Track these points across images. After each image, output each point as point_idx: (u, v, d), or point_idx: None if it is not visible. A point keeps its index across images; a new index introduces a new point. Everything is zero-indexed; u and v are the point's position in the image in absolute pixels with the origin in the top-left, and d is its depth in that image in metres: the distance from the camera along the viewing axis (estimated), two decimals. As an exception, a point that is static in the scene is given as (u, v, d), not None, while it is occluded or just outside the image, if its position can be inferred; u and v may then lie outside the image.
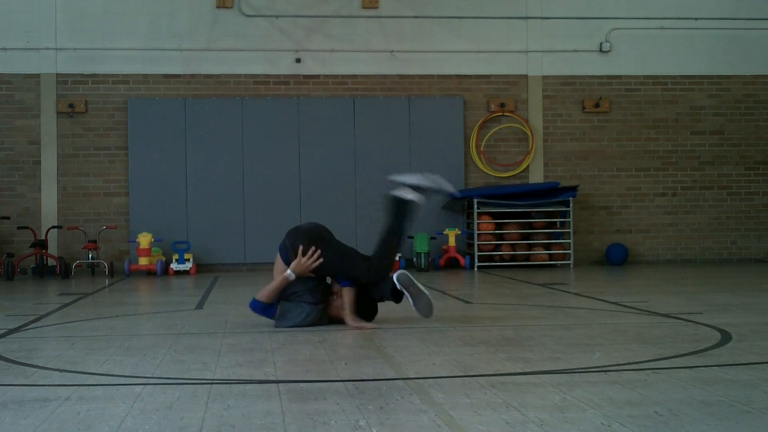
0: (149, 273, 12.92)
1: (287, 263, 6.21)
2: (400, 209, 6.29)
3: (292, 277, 6.15)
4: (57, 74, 13.58)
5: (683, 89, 14.70)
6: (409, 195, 6.21)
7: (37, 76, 13.56)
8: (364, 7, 14.10)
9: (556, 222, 14.00)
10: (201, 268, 13.50)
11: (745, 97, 14.82)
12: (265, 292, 6.19)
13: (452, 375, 4.36)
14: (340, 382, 4.15)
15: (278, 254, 6.33)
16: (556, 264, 13.67)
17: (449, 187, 6.14)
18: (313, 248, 6.16)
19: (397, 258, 6.27)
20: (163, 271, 12.74)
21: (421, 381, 4.17)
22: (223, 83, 13.89)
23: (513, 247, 13.75)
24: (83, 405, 3.73)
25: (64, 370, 4.61)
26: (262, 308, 6.21)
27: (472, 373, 4.37)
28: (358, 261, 6.25)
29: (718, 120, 14.78)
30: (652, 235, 14.68)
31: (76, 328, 6.56)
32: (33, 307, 8.36)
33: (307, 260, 6.15)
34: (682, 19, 14.64)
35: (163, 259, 13.07)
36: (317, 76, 14.04)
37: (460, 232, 13.70)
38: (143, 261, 12.68)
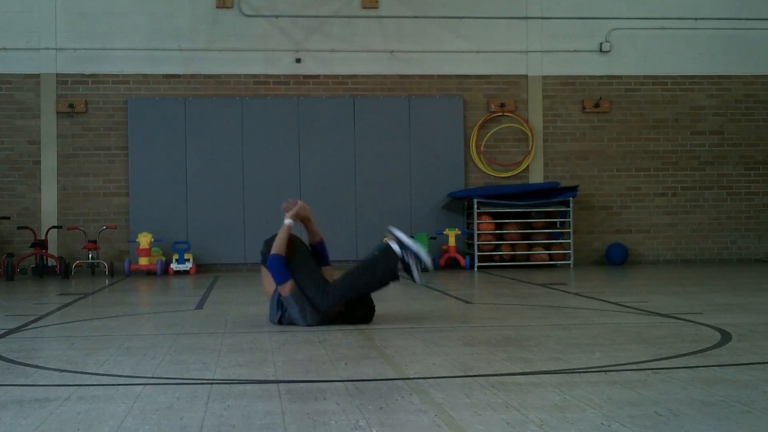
0: (149, 273, 12.91)
1: None
2: (384, 258, 6.31)
3: (292, 224, 6.36)
4: (57, 74, 13.58)
5: (683, 89, 14.70)
6: (396, 248, 6.29)
7: (37, 76, 13.56)
8: (364, 7, 14.10)
9: (556, 222, 13.99)
10: (201, 268, 13.50)
11: (745, 97, 14.82)
12: (275, 247, 6.29)
13: (452, 375, 4.36)
14: (340, 382, 4.15)
15: (262, 266, 6.49)
16: (556, 264, 13.67)
17: (428, 261, 6.31)
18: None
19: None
20: (163, 271, 12.74)
21: (421, 381, 4.17)
22: (223, 83, 13.89)
23: (513, 247, 13.75)
24: (83, 405, 3.73)
25: (64, 370, 4.61)
26: (278, 264, 6.21)
27: (472, 373, 4.37)
28: (316, 279, 6.28)
29: (718, 120, 14.78)
30: (652, 235, 14.68)
31: (76, 328, 6.56)
32: (33, 307, 8.36)
33: (299, 206, 6.43)
34: (682, 19, 14.64)
35: (163, 259, 13.06)
36: (317, 76, 14.05)
37: (460, 232, 13.70)
38: (143, 261, 12.68)
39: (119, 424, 3.38)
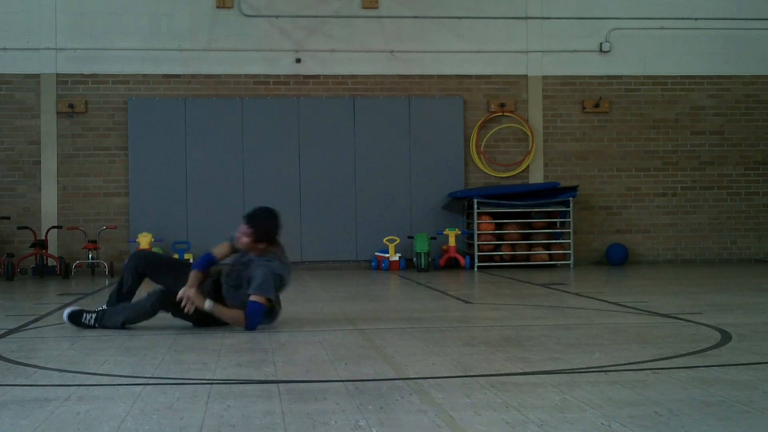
0: (149, 273, 12.90)
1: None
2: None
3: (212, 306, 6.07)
4: (57, 74, 13.58)
5: (683, 89, 14.70)
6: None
7: (37, 76, 13.56)
8: (364, 7, 14.10)
9: (556, 222, 13.99)
10: (201, 268, 13.47)
11: (745, 97, 14.82)
12: (232, 317, 6.08)
13: (452, 375, 4.36)
14: (340, 382, 4.15)
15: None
16: (556, 264, 13.67)
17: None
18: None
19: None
20: (163, 271, 12.72)
21: (421, 381, 4.17)
22: (223, 83, 13.89)
23: (513, 247, 13.74)
24: (83, 405, 3.73)
25: (64, 370, 4.61)
26: (260, 313, 6.08)
27: (472, 373, 4.37)
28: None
29: (718, 120, 14.78)
30: (652, 235, 14.68)
31: (76, 328, 6.55)
32: (33, 307, 8.35)
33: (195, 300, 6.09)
34: (682, 19, 14.64)
35: (163, 259, 13.05)
36: (317, 76, 14.04)
37: (460, 232, 13.70)
38: (143, 261, 12.65)
39: (119, 424, 3.38)
